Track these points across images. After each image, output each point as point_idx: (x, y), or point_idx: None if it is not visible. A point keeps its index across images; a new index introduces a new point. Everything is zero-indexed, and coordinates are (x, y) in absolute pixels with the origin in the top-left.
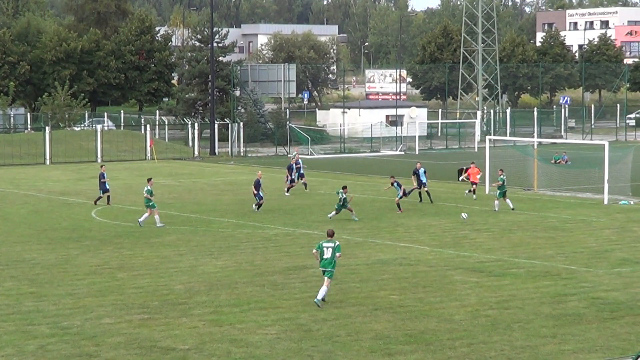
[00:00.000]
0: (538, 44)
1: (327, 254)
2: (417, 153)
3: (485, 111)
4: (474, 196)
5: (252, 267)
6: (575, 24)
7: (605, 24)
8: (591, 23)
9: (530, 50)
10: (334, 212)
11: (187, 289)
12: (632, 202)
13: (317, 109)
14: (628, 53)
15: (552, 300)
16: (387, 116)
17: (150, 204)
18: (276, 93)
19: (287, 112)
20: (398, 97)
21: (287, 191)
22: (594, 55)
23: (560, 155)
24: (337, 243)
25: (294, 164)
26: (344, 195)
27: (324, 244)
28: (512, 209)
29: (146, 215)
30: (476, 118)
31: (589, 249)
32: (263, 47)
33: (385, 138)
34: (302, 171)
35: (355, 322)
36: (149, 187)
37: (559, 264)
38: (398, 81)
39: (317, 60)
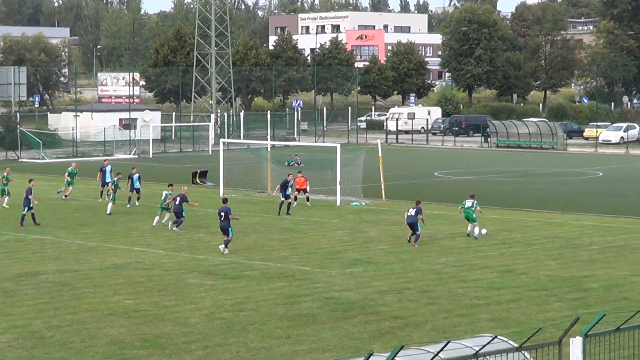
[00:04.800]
0: (271, 47)
1: (468, 204)
2: (151, 156)
3: (219, 114)
4: (309, 203)
5: None
6: (307, 28)
7: (336, 28)
8: (323, 27)
9: (263, 54)
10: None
11: None
12: (363, 203)
13: (48, 113)
14: (359, 57)
15: (286, 301)
16: (121, 119)
17: None
18: (6, 97)
19: (18, 116)
20: (131, 101)
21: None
22: (325, 59)
23: (293, 158)
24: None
25: (134, 175)
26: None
27: (466, 202)
28: None
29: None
30: (210, 121)
31: (323, 249)
32: None
33: (119, 141)
34: (138, 185)
35: (90, 327)
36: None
37: (293, 265)
38: (131, 84)
39: (48, 63)
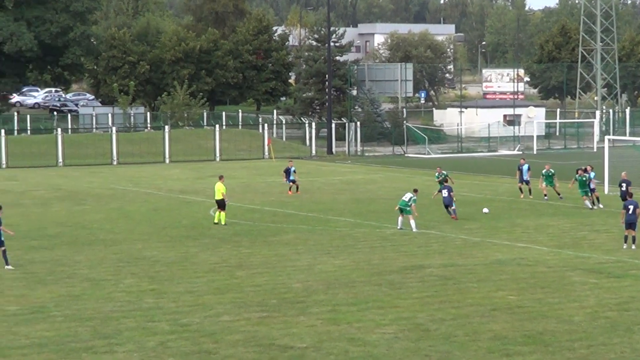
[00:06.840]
0: None
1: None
2: (535, 153)
3: (604, 111)
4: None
5: (370, 266)
6: None
7: None
8: None
9: None
10: None
11: (305, 288)
12: None
13: (434, 109)
14: None
15: None
16: (505, 116)
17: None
18: (393, 92)
19: (404, 112)
20: (515, 97)
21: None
22: None
23: None
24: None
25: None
26: None
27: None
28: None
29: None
30: (595, 118)
31: None
32: (380, 46)
33: (503, 138)
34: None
35: (473, 322)
36: (414, 196)
37: None
38: (515, 80)
39: (433, 60)
